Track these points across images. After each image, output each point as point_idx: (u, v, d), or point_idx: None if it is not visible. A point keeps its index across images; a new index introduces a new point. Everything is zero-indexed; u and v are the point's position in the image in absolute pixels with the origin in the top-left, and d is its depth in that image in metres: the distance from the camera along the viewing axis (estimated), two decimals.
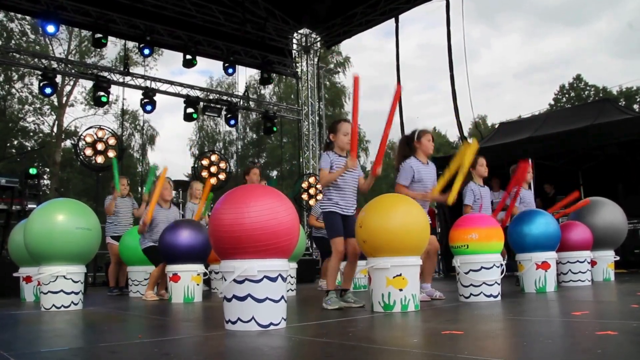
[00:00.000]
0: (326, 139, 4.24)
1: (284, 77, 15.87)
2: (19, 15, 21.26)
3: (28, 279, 5.83)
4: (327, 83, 24.76)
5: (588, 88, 33.33)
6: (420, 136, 4.60)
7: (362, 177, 4.17)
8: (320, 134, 14.54)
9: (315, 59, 14.80)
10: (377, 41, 51.05)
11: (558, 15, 48.74)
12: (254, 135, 30.68)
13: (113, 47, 23.26)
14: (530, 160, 5.92)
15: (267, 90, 28.18)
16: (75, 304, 4.52)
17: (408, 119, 12.27)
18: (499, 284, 4.24)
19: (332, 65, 26.28)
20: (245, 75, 24.36)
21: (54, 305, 4.42)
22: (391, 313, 3.44)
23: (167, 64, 41.89)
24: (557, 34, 48.74)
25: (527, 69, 49.82)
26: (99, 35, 11.10)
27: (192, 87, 13.17)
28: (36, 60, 12.17)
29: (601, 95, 30.72)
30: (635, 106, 28.82)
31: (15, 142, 24.82)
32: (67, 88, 24.58)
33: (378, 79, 47.38)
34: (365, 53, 46.10)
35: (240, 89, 18.80)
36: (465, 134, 13.11)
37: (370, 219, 3.59)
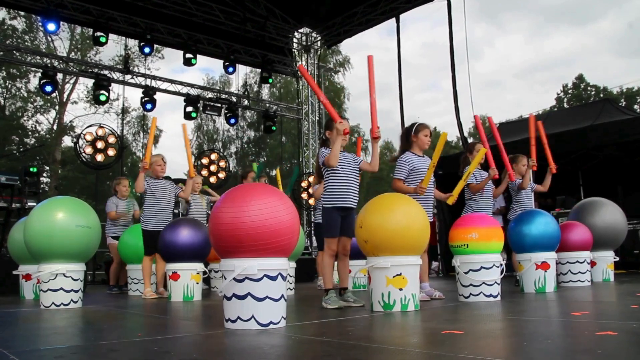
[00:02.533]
0: (322, 135, 4.27)
1: (283, 75, 15.88)
2: (22, 13, 21.27)
3: (28, 277, 5.83)
4: (327, 83, 24.78)
5: (589, 88, 33.35)
6: (418, 130, 4.65)
7: (365, 161, 4.19)
8: (320, 133, 14.54)
9: (316, 58, 14.80)
10: (380, 40, 51.16)
11: (563, 14, 48.71)
12: (254, 134, 30.69)
13: (114, 46, 23.30)
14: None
15: (267, 89, 28.20)
16: (75, 302, 4.52)
17: (409, 118, 12.26)
18: (498, 284, 4.25)
19: (331, 65, 26.27)
20: (245, 75, 24.42)
21: (53, 303, 4.42)
22: (391, 312, 3.44)
23: (168, 62, 41.92)
24: (561, 33, 48.74)
25: (530, 67, 49.83)
26: (99, 33, 11.09)
27: (192, 85, 13.17)
28: (37, 58, 12.16)
29: (602, 95, 30.72)
30: (636, 107, 28.82)
31: (16, 140, 24.81)
32: (68, 86, 24.62)
33: (381, 77, 47.36)
34: (368, 51, 46.04)
35: (241, 88, 18.81)
36: (466, 134, 13.12)
37: (370, 219, 3.59)
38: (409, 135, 4.67)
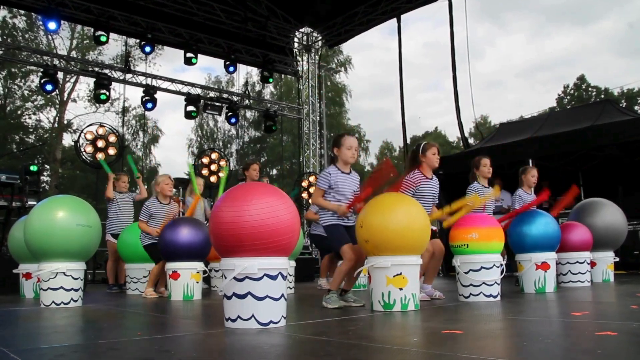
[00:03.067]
0: (330, 153, 4.23)
1: (284, 75, 15.87)
2: (22, 12, 21.28)
3: (28, 276, 5.84)
4: (328, 82, 24.77)
5: (590, 89, 33.32)
6: (425, 149, 4.62)
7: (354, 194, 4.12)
8: (320, 132, 14.55)
9: (317, 58, 14.81)
10: (383, 39, 51.18)
11: (564, 14, 48.61)
12: (255, 134, 30.69)
13: (116, 45, 23.32)
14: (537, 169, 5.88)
15: (268, 89, 28.19)
16: (75, 301, 4.52)
17: (410, 118, 12.28)
18: (498, 284, 4.25)
19: (333, 65, 26.26)
20: (246, 74, 24.42)
21: (53, 302, 4.42)
22: (391, 312, 3.44)
23: (169, 61, 41.97)
24: (563, 33, 48.63)
25: (531, 67, 49.73)
26: (99, 32, 11.10)
27: (192, 84, 13.17)
28: (38, 57, 12.17)
29: (602, 96, 30.70)
30: (636, 107, 28.81)
31: (17, 138, 24.81)
32: (69, 85, 24.62)
33: (382, 77, 47.47)
34: (371, 51, 46.15)
35: (242, 87, 18.81)
36: (467, 134, 13.12)
37: (371, 218, 3.59)
38: (417, 156, 4.64)
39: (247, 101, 14.88)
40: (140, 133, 26.28)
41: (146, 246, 5.91)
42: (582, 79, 33.63)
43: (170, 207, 6.10)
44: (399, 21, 12.40)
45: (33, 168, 7.98)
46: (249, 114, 27.40)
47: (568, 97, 33.54)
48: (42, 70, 10.86)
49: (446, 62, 11.08)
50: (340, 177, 4.02)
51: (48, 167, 24.07)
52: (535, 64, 49.23)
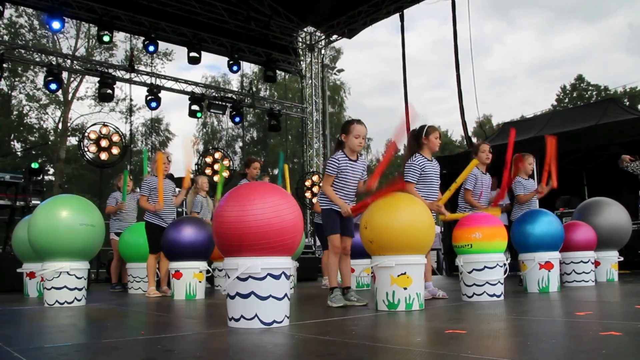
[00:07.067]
0: (337, 137, 4.25)
1: (283, 75, 15.89)
2: (29, 10, 21.36)
3: (32, 275, 5.86)
4: (329, 81, 24.73)
5: (591, 88, 33.13)
6: (428, 133, 4.65)
7: (362, 181, 4.17)
8: (323, 132, 14.55)
9: (320, 57, 14.80)
10: (390, 36, 51.13)
11: (573, 11, 48.35)
12: (257, 133, 30.70)
13: (122, 45, 23.35)
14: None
15: (271, 88, 28.16)
16: (79, 300, 4.53)
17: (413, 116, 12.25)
18: (502, 284, 4.23)
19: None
20: (250, 73, 24.41)
21: (57, 301, 4.44)
22: (395, 312, 3.44)
23: (173, 60, 41.81)
24: (572, 30, 48.38)
25: (539, 65, 49.46)
26: (103, 32, 11.13)
27: (196, 84, 13.18)
28: (43, 56, 12.20)
29: (604, 95, 30.54)
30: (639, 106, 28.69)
31: (21, 138, 24.88)
32: (74, 84, 24.67)
33: (388, 74, 47.41)
34: (376, 48, 46.13)
35: (246, 86, 18.82)
36: (470, 133, 13.09)
37: (375, 218, 3.59)
38: (420, 138, 4.65)
39: (250, 100, 14.88)
40: (144, 130, 26.29)
41: (146, 222, 5.85)
42: (580, 78, 33.41)
43: (167, 183, 6.02)
44: (402, 19, 12.39)
45: (34, 165, 7.98)
46: (251, 113, 27.39)
47: (568, 97, 33.33)
48: (46, 69, 10.89)
49: (451, 60, 11.06)
50: (347, 164, 4.05)
51: (52, 166, 24.12)
52: (543, 61, 49.02)
